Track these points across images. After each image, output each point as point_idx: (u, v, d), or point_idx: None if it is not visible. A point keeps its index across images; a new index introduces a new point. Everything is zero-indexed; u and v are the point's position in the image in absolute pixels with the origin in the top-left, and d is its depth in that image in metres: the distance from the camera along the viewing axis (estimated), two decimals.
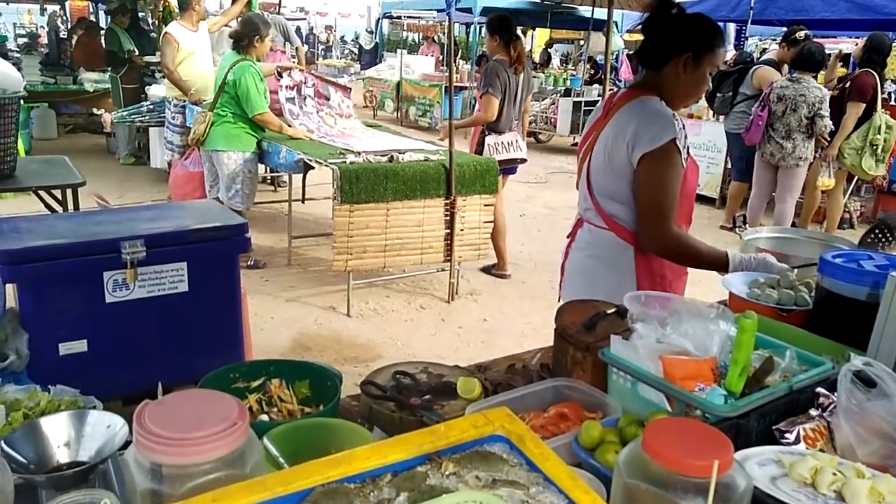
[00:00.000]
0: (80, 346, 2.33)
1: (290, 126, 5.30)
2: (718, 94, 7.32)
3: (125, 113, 7.04)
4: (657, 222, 2.04)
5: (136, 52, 8.51)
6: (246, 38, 5.07)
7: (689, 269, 2.32)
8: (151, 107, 7.03)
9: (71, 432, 1.14)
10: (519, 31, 5.16)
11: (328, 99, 5.95)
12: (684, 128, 2.13)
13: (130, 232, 2.38)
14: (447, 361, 1.72)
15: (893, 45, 6.82)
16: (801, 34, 6.42)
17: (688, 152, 2.13)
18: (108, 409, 1.57)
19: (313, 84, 5.86)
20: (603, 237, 2.20)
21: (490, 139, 5.04)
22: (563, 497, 0.98)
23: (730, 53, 9.45)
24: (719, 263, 2.06)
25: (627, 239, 2.16)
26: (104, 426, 1.14)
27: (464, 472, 1.01)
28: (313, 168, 4.89)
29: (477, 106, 5.19)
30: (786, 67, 6.63)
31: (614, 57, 14.74)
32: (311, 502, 0.91)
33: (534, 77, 13.18)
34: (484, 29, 5.25)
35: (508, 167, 5.22)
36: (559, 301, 2.37)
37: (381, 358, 4.04)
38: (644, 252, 2.14)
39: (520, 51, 4.92)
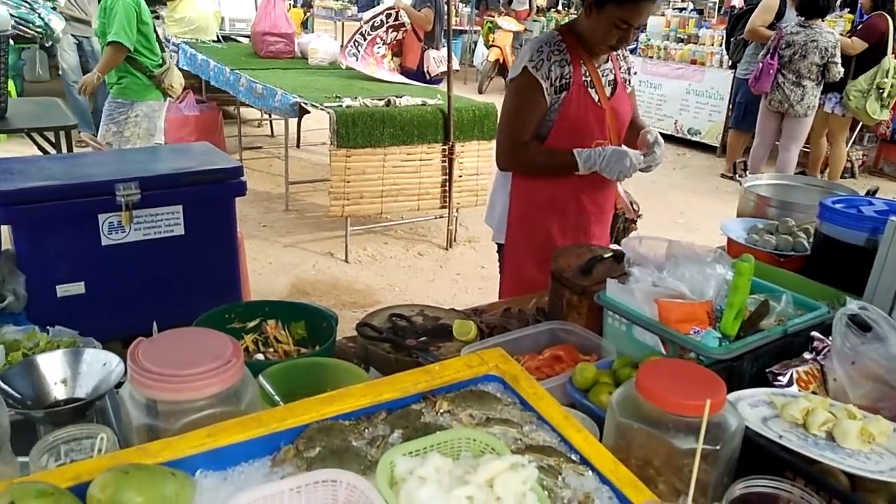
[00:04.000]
0: (78, 288, 2.33)
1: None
2: (732, 39, 7.14)
3: None
4: (501, 144, 2.25)
5: None
6: None
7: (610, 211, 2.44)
8: None
9: (67, 370, 1.15)
10: None
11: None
12: (616, 60, 2.26)
13: (125, 174, 2.36)
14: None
15: None
16: None
17: (590, 86, 2.16)
18: (107, 350, 1.58)
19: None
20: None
21: (433, 53, 5.81)
22: (556, 435, 0.99)
23: None
24: (568, 163, 2.14)
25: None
26: (100, 364, 1.15)
27: (458, 411, 1.02)
28: (309, 112, 4.82)
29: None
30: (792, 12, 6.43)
31: None
32: (307, 438, 0.92)
33: (534, 21, 12.96)
34: None
35: (439, 79, 5.96)
36: (485, 222, 2.56)
37: (379, 304, 4.06)
38: (501, 170, 2.33)
39: None
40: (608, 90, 2.22)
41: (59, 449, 0.93)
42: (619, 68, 2.29)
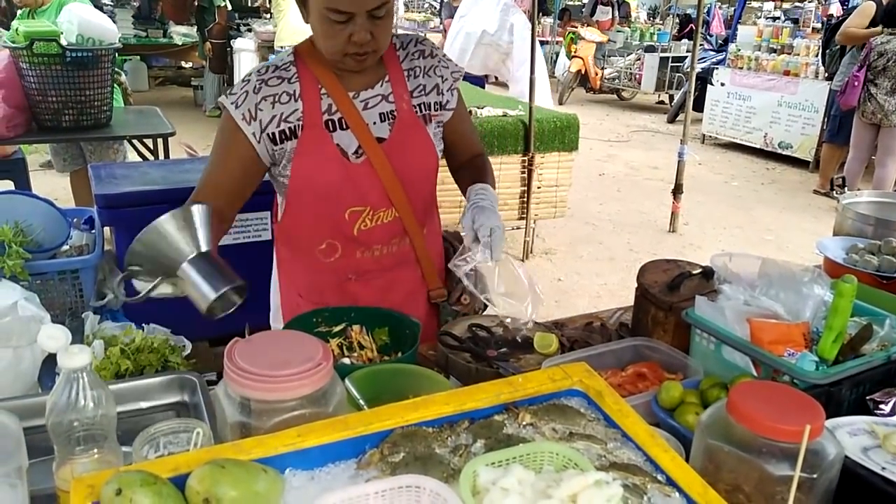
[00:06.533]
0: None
1: None
2: (828, 49, 6.85)
3: None
4: None
5: (228, 7, 8.69)
6: None
7: None
8: None
9: None
10: None
11: None
12: (411, 79, 1.58)
13: None
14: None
15: None
16: None
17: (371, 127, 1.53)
18: (195, 350, 1.65)
19: None
20: None
21: None
22: (642, 454, 0.97)
23: (833, 7, 8.82)
24: None
25: None
26: None
27: (541, 424, 1.01)
28: None
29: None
30: None
31: (706, 10, 14.02)
32: (391, 443, 0.93)
33: (618, 31, 12.80)
34: None
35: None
36: None
37: None
38: None
39: None
40: (382, 128, 1.54)
41: (159, 441, 0.98)
42: (416, 89, 1.58)
